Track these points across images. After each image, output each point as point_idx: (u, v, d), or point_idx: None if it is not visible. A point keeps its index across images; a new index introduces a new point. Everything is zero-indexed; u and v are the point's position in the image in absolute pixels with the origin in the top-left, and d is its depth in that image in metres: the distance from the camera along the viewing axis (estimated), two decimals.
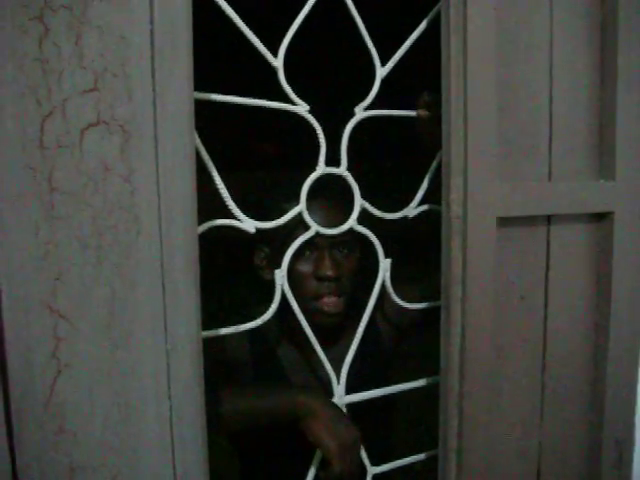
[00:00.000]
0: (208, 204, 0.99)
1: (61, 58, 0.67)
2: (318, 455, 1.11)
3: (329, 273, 1.17)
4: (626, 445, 1.23)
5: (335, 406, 1.12)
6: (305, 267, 1.18)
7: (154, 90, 0.74)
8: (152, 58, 0.73)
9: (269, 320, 1.04)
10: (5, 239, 0.65)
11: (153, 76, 0.73)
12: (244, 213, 0.99)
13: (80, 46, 0.68)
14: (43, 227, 0.67)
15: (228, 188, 0.97)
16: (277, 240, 1.15)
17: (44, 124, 0.66)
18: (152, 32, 0.73)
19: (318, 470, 1.11)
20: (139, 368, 0.75)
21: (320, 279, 1.19)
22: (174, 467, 0.78)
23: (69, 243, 0.69)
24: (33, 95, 0.66)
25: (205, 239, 0.90)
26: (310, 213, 1.06)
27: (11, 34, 0.64)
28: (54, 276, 0.68)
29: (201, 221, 0.88)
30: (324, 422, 1.08)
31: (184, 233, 0.77)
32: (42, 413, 0.69)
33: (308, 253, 1.18)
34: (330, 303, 1.20)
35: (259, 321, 1.02)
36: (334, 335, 1.29)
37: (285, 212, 1.04)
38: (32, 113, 0.66)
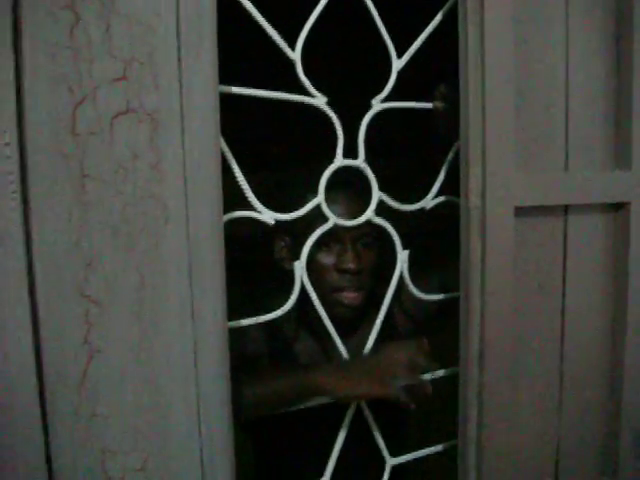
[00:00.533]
0: (228, 199, 1.00)
1: (92, 46, 0.68)
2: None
3: (351, 266, 1.18)
4: None
5: (350, 361, 1.14)
6: (326, 259, 1.19)
7: (180, 80, 0.75)
8: (178, 48, 0.74)
9: (288, 311, 1.04)
10: (39, 224, 0.66)
11: (179, 66, 0.75)
12: (264, 206, 1.00)
13: (110, 34, 0.69)
14: (75, 213, 0.68)
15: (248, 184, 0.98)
16: (297, 231, 1.16)
17: (76, 112, 0.67)
18: (178, 22, 0.74)
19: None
20: (168, 354, 0.76)
21: (342, 272, 1.19)
22: (201, 451, 0.78)
23: (101, 229, 0.70)
24: (65, 83, 0.67)
25: (226, 232, 0.92)
26: (330, 205, 1.06)
27: (43, 23, 0.65)
28: (86, 262, 0.69)
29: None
30: (349, 381, 1.09)
31: (210, 221, 0.78)
32: (75, 397, 0.70)
33: (330, 245, 1.19)
34: (350, 296, 1.21)
35: (279, 312, 1.03)
36: (352, 326, 1.29)
37: (305, 203, 1.05)
38: (64, 101, 0.67)
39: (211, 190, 0.78)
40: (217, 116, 0.79)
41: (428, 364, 1.11)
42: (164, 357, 0.75)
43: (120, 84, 0.70)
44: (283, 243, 1.28)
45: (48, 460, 0.68)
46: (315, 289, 1.08)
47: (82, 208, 0.68)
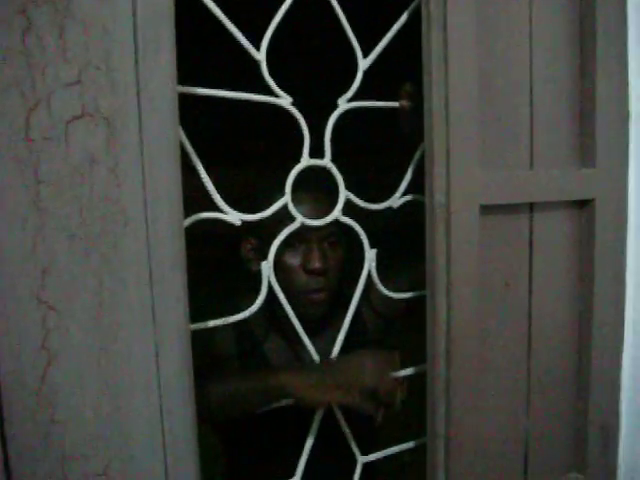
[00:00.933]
0: (196, 199, 1.00)
1: (45, 51, 0.67)
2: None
3: (317, 266, 1.19)
4: (612, 431, 1.25)
5: (319, 365, 1.14)
6: (293, 260, 1.20)
7: (137, 82, 0.74)
8: (135, 51, 0.74)
9: (256, 312, 1.05)
10: None
11: (137, 69, 0.74)
12: (232, 206, 1.00)
13: (64, 39, 0.69)
14: (30, 219, 0.68)
15: (215, 183, 0.98)
16: (265, 232, 1.16)
17: (29, 117, 0.67)
18: (135, 25, 0.74)
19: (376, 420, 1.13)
20: (128, 359, 0.75)
21: (308, 272, 1.20)
22: (165, 456, 0.78)
23: (57, 235, 0.69)
24: (18, 88, 0.66)
25: (192, 232, 0.91)
26: (297, 206, 1.06)
27: None
28: (42, 267, 0.69)
29: (188, 214, 0.89)
30: (314, 386, 1.09)
31: (170, 225, 0.78)
32: (33, 403, 0.69)
33: (296, 245, 1.19)
34: (317, 296, 1.23)
35: (246, 313, 1.03)
36: (321, 325, 1.30)
37: (273, 203, 1.05)
38: (17, 106, 0.66)
39: (171, 192, 0.77)
40: (176, 117, 0.79)
41: (394, 379, 1.13)
42: (125, 361, 0.75)
43: (75, 88, 0.70)
44: (250, 245, 1.29)
45: (7, 467, 0.67)
46: (283, 289, 1.09)
47: (37, 214, 0.68)
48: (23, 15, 0.66)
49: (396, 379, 1.13)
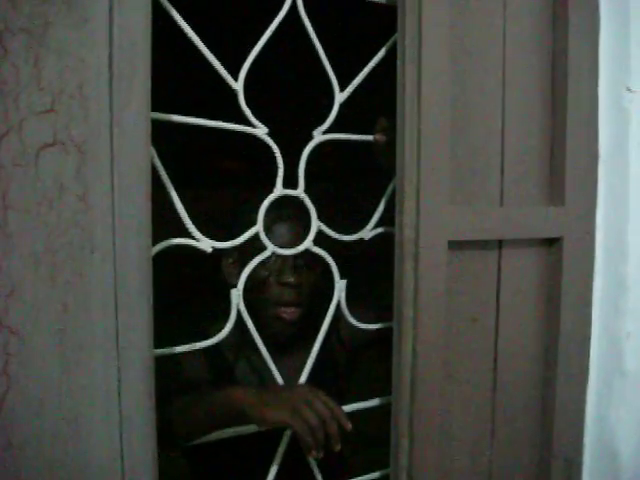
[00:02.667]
0: (170, 220, 1.01)
1: (19, 79, 0.68)
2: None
3: (290, 279, 1.23)
4: (575, 465, 1.26)
5: (271, 387, 1.13)
6: (268, 272, 1.21)
7: (111, 111, 0.75)
8: (110, 80, 0.75)
9: (226, 335, 1.05)
10: None
11: (111, 97, 0.75)
12: (206, 226, 1.01)
13: (38, 68, 0.70)
14: None
15: (189, 204, 0.99)
16: (243, 246, 1.16)
17: (0, 144, 0.68)
18: (111, 55, 0.75)
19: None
20: (90, 384, 0.76)
21: (281, 285, 1.24)
22: None
23: (22, 260, 0.70)
24: None
25: (164, 255, 0.92)
26: (272, 225, 1.08)
27: None
28: (6, 292, 0.69)
29: (162, 238, 0.90)
30: (265, 402, 1.04)
31: (138, 252, 0.78)
32: None
33: (273, 259, 1.22)
34: (288, 311, 1.26)
35: (215, 339, 1.03)
36: (289, 346, 1.33)
37: (249, 223, 1.06)
38: None
39: (140, 220, 0.78)
40: (148, 145, 0.80)
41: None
42: (86, 388, 0.75)
43: (48, 116, 0.70)
44: (231, 259, 1.32)
45: None
46: (256, 303, 1.10)
47: (3, 239, 0.68)
48: None
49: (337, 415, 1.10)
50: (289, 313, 1.26)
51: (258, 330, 1.10)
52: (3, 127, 0.68)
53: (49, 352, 0.72)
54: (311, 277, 1.29)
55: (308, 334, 1.24)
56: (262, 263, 1.17)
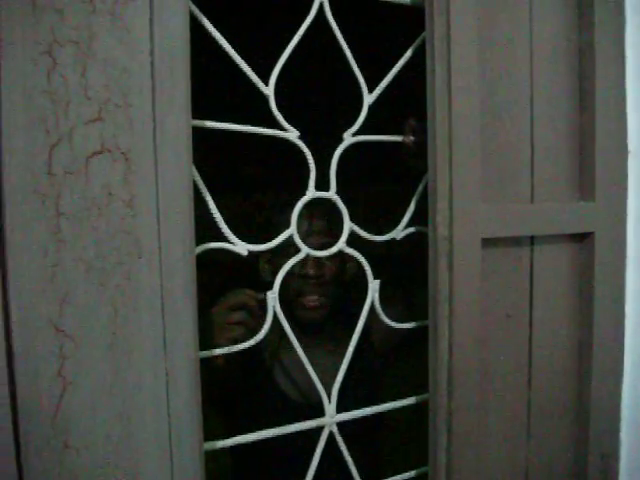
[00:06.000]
0: (205, 225, 1.02)
1: (68, 89, 0.71)
2: None
3: (311, 272, 1.32)
4: (612, 460, 1.26)
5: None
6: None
7: (154, 119, 0.77)
8: (153, 88, 0.77)
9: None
10: (15, 261, 0.68)
11: (153, 105, 0.77)
12: (240, 231, 1.03)
13: (85, 78, 0.72)
14: (50, 250, 0.70)
15: (227, 209, 1.01)
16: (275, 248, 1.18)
17: (52, 152, 0.70)
18: (152, 64, 0.77)
19: None
20: (139, 385, 0.77)
21: (303, 277, 1.33)
22: None
23: (75, 265, 0.72)
24: (42, 125, 0.69)
25: (204, 259, 0.94)
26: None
27: (22, 68, 0.67)
28: (60, 297, 0.71)
29: (199, 242, 0.92)
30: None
31: (182, 256, 0.80)
32: (48, 430, 0.71)
33: (291, 249, 1.24)
34: (311, 299, 1.35)
35: (252, 342, 1.05)
36: (318, 335, 1.42)
37: (280, 225, 1.12)
38: (41, 142, 0.69)
39: (183, 224, 0.80)
40: (190, 152, 0.82)
41: None
42: (136, 389, 0.77)
43: (95, 125, 0.72)
44: (265, 258, 1.42)
45: None
46: (281, 293, 1.12)
47: (57, 245, 0.70)
48: (49, 55, 0.69)
49: None
50: (312, 301, 1.35)
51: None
52: (55, 136, 0.70)
53: (101, 355, 0.74)
54: (333, 267, 1.37)
55: (337, 328, 1.28)
56: (285, 256, 1.20)
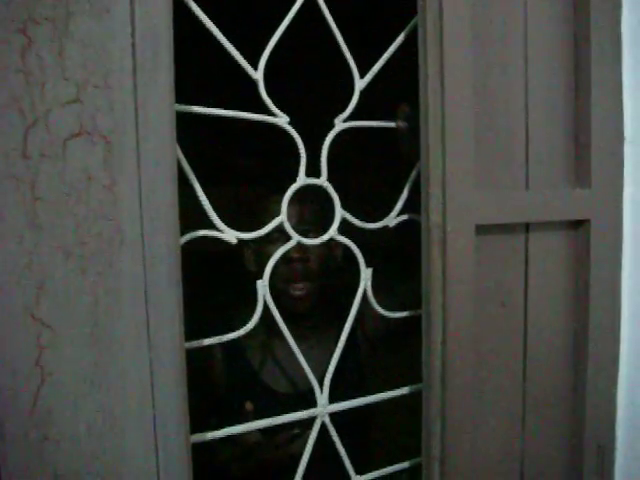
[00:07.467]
0: (192, 215, 1.00)
1: (44, 70, 0.68)
2: None
3: (295, 255, 1.29)
4: (607, 450, 1.25)
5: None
6: (275, 250, 1.22)
7: (135, 101, 0.75)
8: (134, 69, 0.74)
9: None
10: None
11: (135, 87, 0.75)
12: (228, 220, 1.00)
13: (62, 58, 0.69)
14: (27, 236, 0.68)
15: (211, 198, 0.99)
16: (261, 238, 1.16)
17: (27, 134, 0.67)
18: (134, 44, 0.74)
19: None
20: (123, 376, 0.75)
21: (288, 261, 1.29)
22: (158, 474, 0.78)
23: (52, 252, 0.69)
24: (16, 106, 0.66)
25: (188, 249, 0.91)
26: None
27: None
28: (37, 285, 0.69)
29: (185, 230, 0.89)
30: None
31: (166, 242, 0.78)
32: (26, 421, 0.69)
33: (278, 237, 1.26)
34: (297, 287, 1.33)
35: (242, 332, 1.03)
36: (305, 327, 1.40)
37: (267, 215, 1.08)
38: (15, 123, 0.67)
39: (167, 211, 0.78)
40: (174, 136, 0.79)
41: None
42: (119, 380, 0.75)
43: (74, 106, 0.70)
44: (250, 249, 1.39)
45: None
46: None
47: (34, 231, 0.68)
48: (23, 34, 0.66)
49: None
50: (299, 289, 1.33)
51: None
52: (30, 117, 0.67)
53: (81, 345, 0.72)
54: (318, 251, 1.34)
55: (323, 319, 1.28)
56: (270, 242, 1.18)
